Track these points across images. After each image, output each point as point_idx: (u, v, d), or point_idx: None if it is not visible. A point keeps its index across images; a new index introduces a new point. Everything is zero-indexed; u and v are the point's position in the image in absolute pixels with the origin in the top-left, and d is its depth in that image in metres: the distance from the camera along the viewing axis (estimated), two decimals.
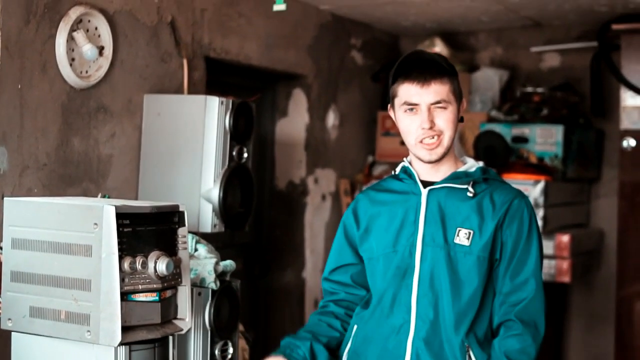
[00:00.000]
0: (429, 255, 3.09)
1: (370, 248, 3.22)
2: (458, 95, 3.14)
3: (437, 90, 3.07)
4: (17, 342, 3.13)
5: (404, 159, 3.27)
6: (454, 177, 3.15)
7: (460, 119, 3.17)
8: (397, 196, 3.21)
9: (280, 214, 5.84)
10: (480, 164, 3.23)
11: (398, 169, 3.27)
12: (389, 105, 3.24)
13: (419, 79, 3.07)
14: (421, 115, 3.07)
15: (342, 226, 3.35)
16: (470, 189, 3.11)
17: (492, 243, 3.07)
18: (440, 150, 3.10)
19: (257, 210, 5.27)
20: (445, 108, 3.08)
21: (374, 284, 3.21)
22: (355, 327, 3.23)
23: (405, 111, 3.11)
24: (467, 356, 3.03)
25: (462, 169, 3.19)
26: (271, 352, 3.22)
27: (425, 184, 3.16)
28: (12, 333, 3.14)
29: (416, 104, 3.08)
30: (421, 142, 3.09)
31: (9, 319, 3.10)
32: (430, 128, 3.07)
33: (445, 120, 3.09)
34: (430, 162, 3.13)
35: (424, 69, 3.09)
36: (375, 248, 3.20)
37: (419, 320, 3.08)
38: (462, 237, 3.08)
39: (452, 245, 3.07)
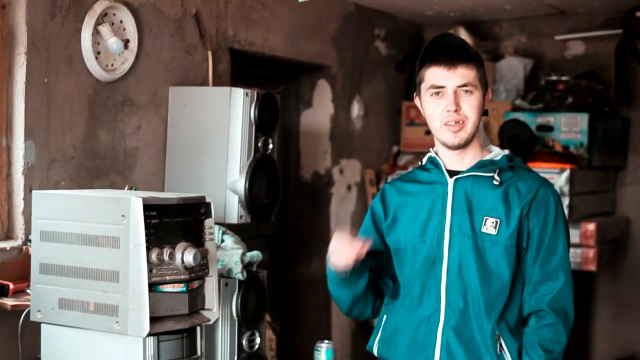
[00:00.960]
0: (457, 244, 3.07)
1: (398, 239, 3.20)
2: (484, 83, 3.13)
3: (463, 73, 3.06)
4: (47, 333, 3.17)
5: (430, 149, 3.25)
6: (480, 165, 3.14)
7: (484, 112, 3.16)
8: (424, 186, 3.20)
9: (305, 204, 5.85)
10: (506, 152, 3.21)
11: (424, 160, 3.25)
12: (414, 94, 3.23)
13: (446, 63, 3.06)
14: (447, 98, 3.06)
15: (369, 213, 3.33)
16: (497, 177, 3.09)
17: (518, 231, 3.06)
18: (464, 135, 3.08)
19: (283, 201, 5.29)
20: (471, 93, 3.07)
21: (402, 275, 3.20)
22: (385, 317, 3.22)
23: (432, 95, 3.09)
24: (498, 344, 3.02)
25: (487, 157, 3.16)
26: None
27: (452, 173, 3.14)
28: (42, 324, 3.17)
29: (442, 87, 3.07)
30: (446, 124, 3.09)
31: (38, 311, 3.13)
32: (456, 111, 3.06)
33: (470, 105, 3.07)
34: (454, 148, 3.11)
35: (451, 53, 3.08)
36: (402, 239, 3.18)
37: (448, 309, 3.06)
38: (489, 226, 3.06)
39: (479, 234, 3.06)
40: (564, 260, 3.10)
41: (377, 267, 3.30)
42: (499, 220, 3.06)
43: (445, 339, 3.06)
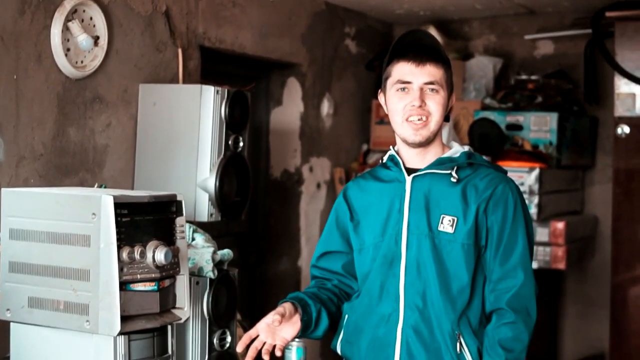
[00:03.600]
0: (415, 243, 3.06)
1: (362, 239, 3.19)
2: (449, 85, 3.12)
3: (431, 71, 3.05)
4: (16, 332, 3.13)
5: (391, 147, 3.25)
6: (438, 162, 3.11)
7: (446, 117, 3.15)
8: (384, 185, 3.18)
9: (275, 202, 5.84)
10: (466, 148, 3.18)
11: (385, 157, 3.24)
12: (379, 90, 3.22)
13: (414, 59, 3.06)
14: (412, 94, 3.05)
15: (334, 213, 3.31)
16: (454, 174, 3.07)
17: (475, 229, 3.04)
18: (425, 133, 3.07)
19: (252, 199, 5.27)
20: (437, 92, 3.06)
21: (362, 272, 3.20)
22: (346, 316, 3.21)
23: (397, 90, 3.08)
24: (458, 344, 3.02)
25: (446, 154, 3.14)
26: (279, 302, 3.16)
27: (412, 171, 3.13)
28: (11, 323, 3.14)
29: (409, 82, 3.05)
30: (407, 119, 3.07)
31: (8, 310, 3.10)
32: (420, 107, 3.05)
33: (435, 102, 3.06)
34: (415, 145, 3.09)
35: (421, 51, 3.08)
36: (366, 239, 3.18)
37: (407, 308, 3.05)
38: (446, 225, 3.04)
39: (436, 232, 3.04)
40: (524, 257, 3.07)
41: (344, 271, 3.30)
42: (455, 219, 3.05)
43: (404, 338, 3.06)
